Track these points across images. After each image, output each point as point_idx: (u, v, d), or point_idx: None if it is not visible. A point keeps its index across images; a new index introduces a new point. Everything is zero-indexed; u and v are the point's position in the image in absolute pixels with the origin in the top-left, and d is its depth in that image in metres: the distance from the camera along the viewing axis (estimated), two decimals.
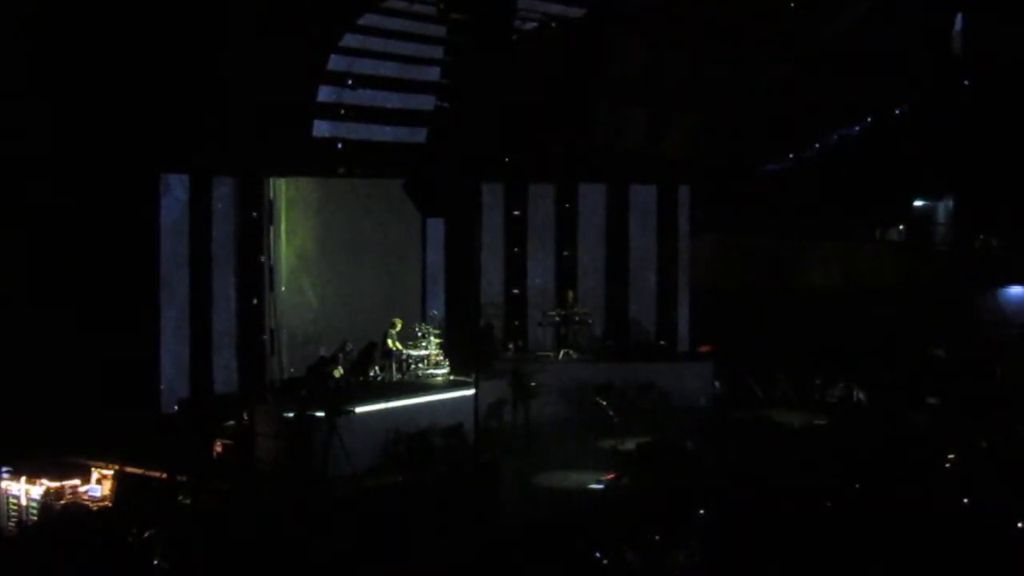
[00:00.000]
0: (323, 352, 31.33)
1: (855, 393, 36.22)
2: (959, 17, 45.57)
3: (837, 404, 35.85)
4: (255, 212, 31.65)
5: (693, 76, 37.58)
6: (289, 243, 33.23)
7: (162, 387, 29.77)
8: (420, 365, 32.13)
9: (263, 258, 31.80)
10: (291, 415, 26.88)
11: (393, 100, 34.16)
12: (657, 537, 21.47)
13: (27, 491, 24.58)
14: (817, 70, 39.33)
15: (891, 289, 42.57)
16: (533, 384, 32.56)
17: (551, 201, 38.51)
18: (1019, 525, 22.91)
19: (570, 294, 37.19)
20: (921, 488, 25.18)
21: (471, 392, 29.95)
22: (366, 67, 32.76)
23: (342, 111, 32.83)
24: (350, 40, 31.90)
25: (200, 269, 30.63)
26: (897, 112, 44.98)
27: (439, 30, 33.68)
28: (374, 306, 34.14)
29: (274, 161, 31.75)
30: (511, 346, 37.39)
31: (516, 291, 38.02)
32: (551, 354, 36.68)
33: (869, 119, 44.93)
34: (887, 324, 39.41)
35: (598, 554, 20.63)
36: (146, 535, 21.42)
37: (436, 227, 36.76)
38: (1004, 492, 24.71)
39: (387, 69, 33.37)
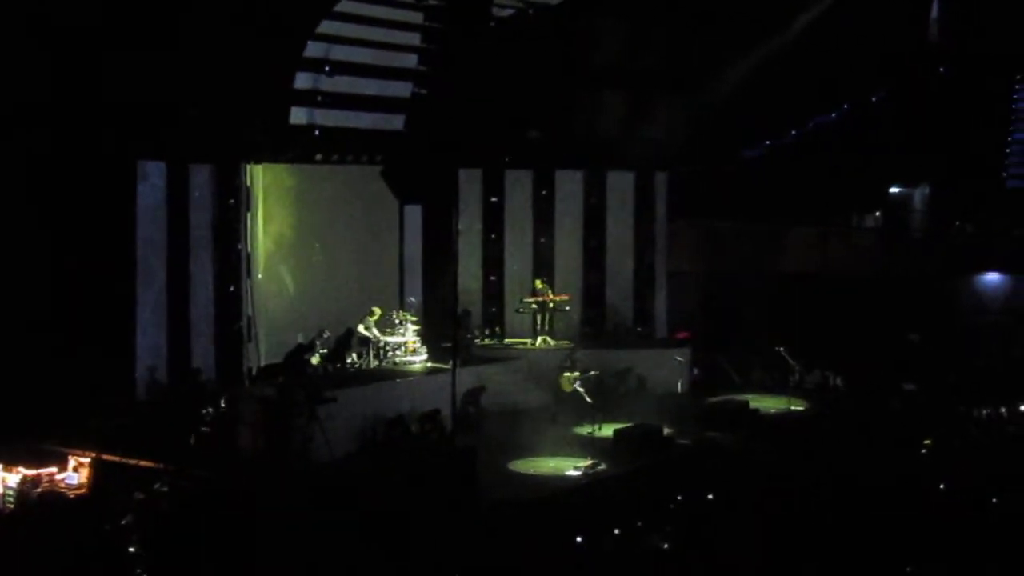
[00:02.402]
0: (300, 339, 31.38)
1: (832, 378, 36.30)
2: (936, 4, 45.70)
3: (814, 390, 35.90)
4: (232, 199, 31.53)
5: (670, 62, 37.58)
6: (266, 230, 33.21)
7: (138, 374, 29.68)
8: (397, 352, 32.26)
9: (240, 245, 31.70)
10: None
11: (370, 87, 34.09)
12: (634, 522, 21.54)
13: (4, 479, 24.49)
14: (794, 56, 39.33)
15: (868, 275, 42.69)
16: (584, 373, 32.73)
17: (528, 188, 38.52)
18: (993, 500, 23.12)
19: (539, 282, 37.16)
20: (897, 473, 25.30)
21: (448, 379, 30.00)
22: (343, 53, 32.67)
23: (319, 98, 32.74)
24: (327, 26, 31.81)
25: (177, 256, 30.51)
26: (874, 99, 45.11)
27: (416, 16, 33.63)
28: (351, 293, 34.16)
29: (251, 148, 31.66)
30: (487, 332, 37.44)
31: (493, 278, 38.04)
32: (528, 340, 36.73)
33: (846, 106, 45.06)
34: (864, 310, 39.52)
35: (579, 539, 20.70)
36: (123, 523, 21.40)
37: (413, 214, 36.75)
38: (979, 476, 24.84)
39: (364, 56, 33.28)
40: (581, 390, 31.87)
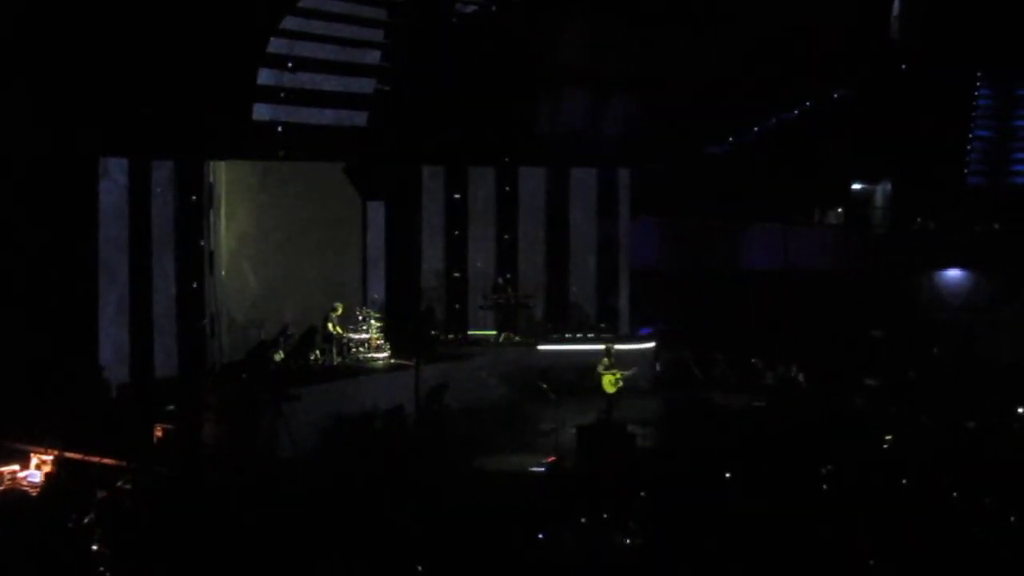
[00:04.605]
0: (262, 336, 31.32)
1: (794, 374, 36.44)
2: (897, 1, 45.89)
3: (776, 386, 36.03)
4: (195, 196, 31.51)
5: (634, 59, 37.64)
6: (229, 227, 33.10)
7: (101, 371, 29.60)
8: (361, 349, 32.24)
9: (203, 242, 31.66)
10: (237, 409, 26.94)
11: (333, 83, 34.10)
12: (598, 518, 21.58)
13: None
14: (757, 54, 39.42)
15: (830, 271, 42.88)
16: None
17: (492, 184, 38.52)
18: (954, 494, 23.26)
19: (503, 278, 37.24)
20: (859, 468, 25.40)
21: (412, 375, 30.02)
22: (306, 50, 32.67)
23: (282, 94, 32.72)
24: (290, 23, 31.78)
25: (139, 253, 30.45)
26: (836, 96, 45.27)
27: (380, 13, 33.61)
28: (315, 290, 34.10)
29: (214, 144, 31.59)
30: (451, 329, 37.43)
31: (457, 274, 38.02)
32: (492, 336, 36.77)
33: (808, 103, 45.19)
34: (826, 306, 39.68)
35: (541, 536, 20.72)
36: (85, 520, 21.32)
37: (377, 210, 36.71)
38: (940, 472, 24.97)
39: (327, 52, 33.29)
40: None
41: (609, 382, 30.82)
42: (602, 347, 32.18)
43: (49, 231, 28.59)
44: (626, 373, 31.27)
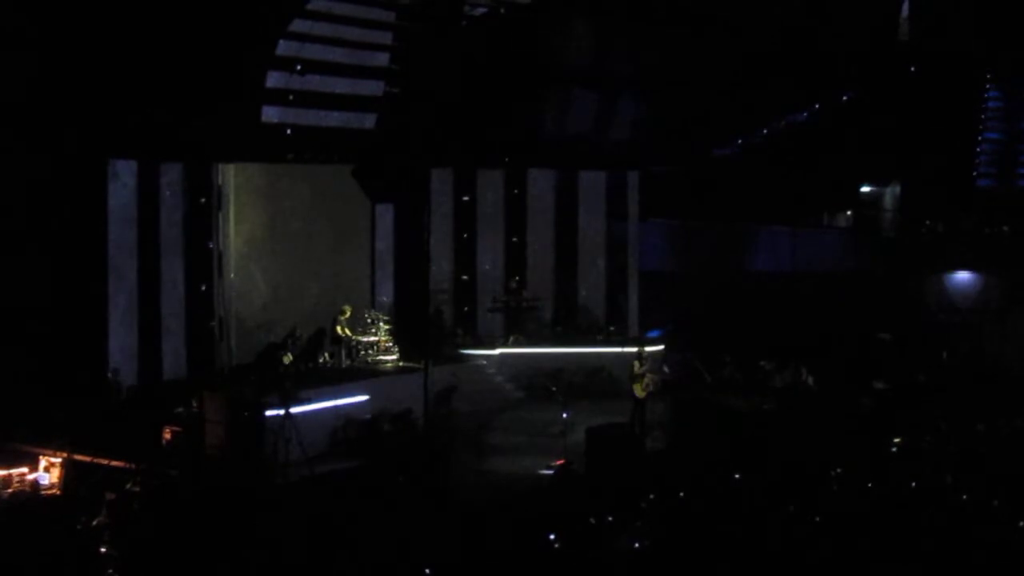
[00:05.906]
0: (271, 338, 31.35)
1: (803, 377, 36.36)
2: (906, 3, 45.84)
3: (785, 388, 35.96)
4: (203, 198, 31.59)
5: (642, 62, 37.60)
6: (238, 229, 33.13)
7: (110, 374, 29.64)
8: (370, 351, 32.23)
9: (212, 244, 31.70)
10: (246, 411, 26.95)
11: (342, 85, 34.04)
12: (606, 520, 21.59)
13: None
14: (766, 56, 39.37)
15: (838, 273, 42.85)
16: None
17: (500, 187, 38.56)
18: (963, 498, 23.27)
19: (515, 280, 37.29)
20: (868, 471, 25.39)
21: (420, 378, 29.99)
22: (315, 52, 32.62)
23: (291, 97, 32.66)
24: (299, 25, 31.76)
25: (148, 255, 30.53)
26: (844, 98, 45.23)
27: (388, 15, 33.58)
28: (323, 292, 34.15)
29: (222, 147, 31.63)
30: (460, 331, 37.42)
31: (465, 277, 38.04)
32: (501, 337, 36.77)
33: (817, 105, 45.15)
34: (834, 308, 39.64)
35: (551, 536, 20.72)
36: (94, 523, 21.35)
37: (385, 213, 36.74)
38: (949, 475, 24.96)
39: (336, 54, 33.22)
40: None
41: (640, 387, 30.60)
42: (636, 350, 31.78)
43: (58, 233, 28.63)
44: (656, 378, 31.10)
